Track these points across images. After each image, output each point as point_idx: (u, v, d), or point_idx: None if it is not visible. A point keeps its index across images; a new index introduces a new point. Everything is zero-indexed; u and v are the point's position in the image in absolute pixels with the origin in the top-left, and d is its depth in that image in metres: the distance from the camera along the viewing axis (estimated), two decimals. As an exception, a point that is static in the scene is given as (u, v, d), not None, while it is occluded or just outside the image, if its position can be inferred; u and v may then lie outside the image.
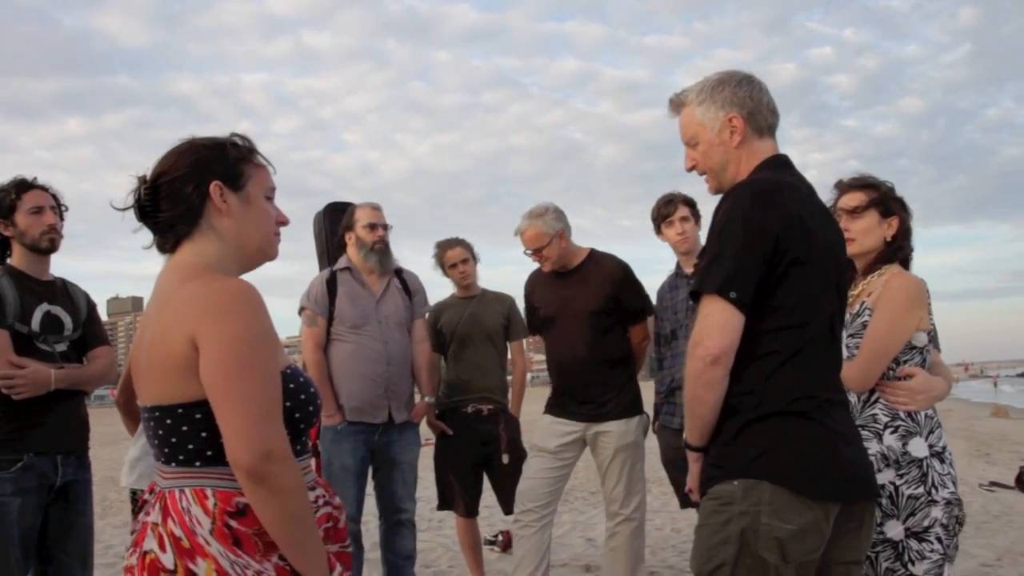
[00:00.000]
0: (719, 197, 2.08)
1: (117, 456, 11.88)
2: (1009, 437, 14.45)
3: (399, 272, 4.20)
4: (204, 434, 1.58)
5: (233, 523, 1.55)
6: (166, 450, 1.61)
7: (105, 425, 12.25)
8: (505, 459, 4.41)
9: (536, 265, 4.15)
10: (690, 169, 2.16)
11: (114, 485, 9.34)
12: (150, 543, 1.56)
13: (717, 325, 1.88)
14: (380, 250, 4.06)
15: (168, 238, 1.71)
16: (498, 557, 5.55)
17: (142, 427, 3.54)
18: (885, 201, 2.65)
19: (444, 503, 4.61)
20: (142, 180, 1.69)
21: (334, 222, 4.39)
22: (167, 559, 1.53)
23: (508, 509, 4.64)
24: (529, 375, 6.17)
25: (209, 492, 1.56)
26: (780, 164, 2.07)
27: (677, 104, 2.14)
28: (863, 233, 2.63)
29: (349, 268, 4.09)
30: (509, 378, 4.84)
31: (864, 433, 2.47)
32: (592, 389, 3.92)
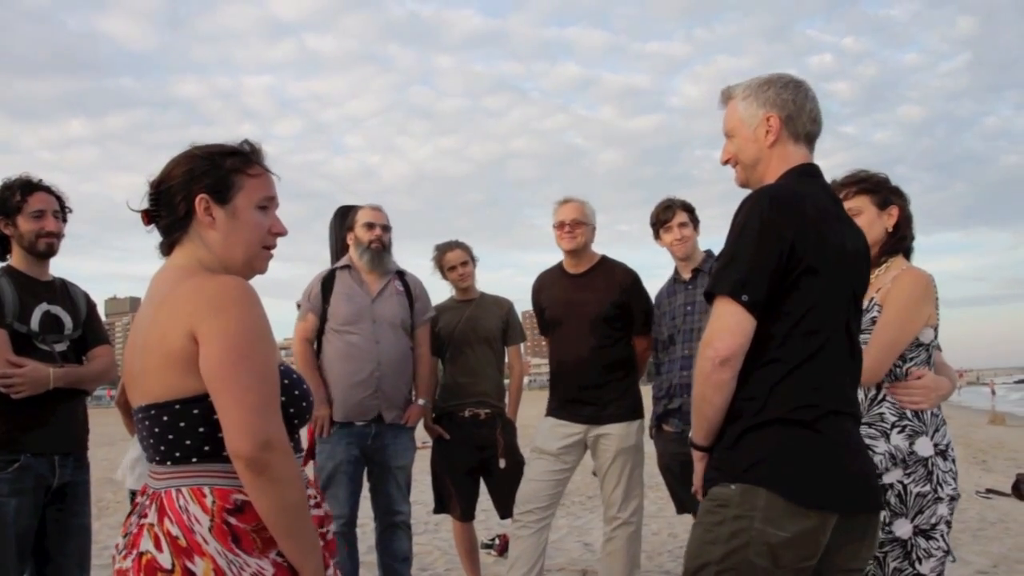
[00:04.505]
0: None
1: (114, 457, 11.86)
2: (1006, 445, 14.45)
3: (402, 275, 4.21)
4: (201, 429, 1.59)
5: (232, 520, 1.56)
6: (162, 448, 1.62)
7: (103, 426, 12.23)
8: (502, 464, 4.41)
9: (543, 268, 4.18)
10: (725, 162, 2.18)
11: (111, 486, 9.32)
12: (146, 544, 1.57)
13: (728, 327, 1.89)
14: (376, 249, 4.06)
15: (166, 242, 1.76)
16: (494, 561, 5.54)
17: None
18: (879, 192, 2.65)
19: (440, 507, 4.60)
20: (152, 185, 1.74)
21: (342, 226, 4.44)
22: (164, 559, 1.54)
23: (504, 513, 4.63)
24: (526, 379, 6.18)
25: (207, 490, 1.58)
26: (807, 173, 2.07)
27: (726, 97, 2.17)
28: (864, 228, 2.64)
29: (349, 267, 4.11)
30: (506, 382, 4.84)
31: (871, 431, 2.50)
32: (593, 391, 3.93)
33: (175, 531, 1.55)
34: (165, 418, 1.61)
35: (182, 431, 1.60)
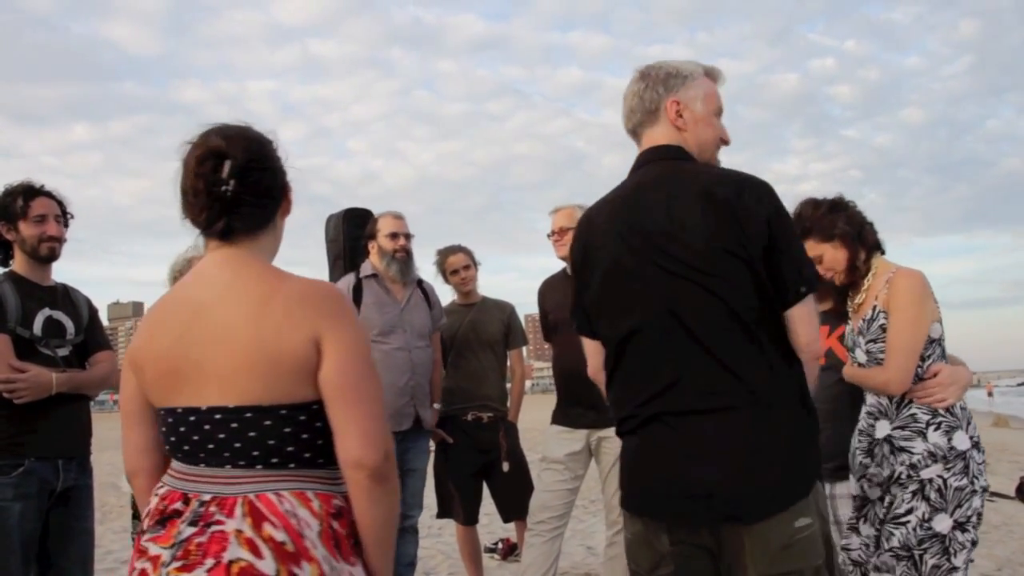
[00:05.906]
0: None
1: (117, 461, 11.85)
2: (1009, 447, 14.41)
3: (420, 283, 4.23)
4: (305, 436, 1.55)
5: (335, 525, 1.53)
6: (254, 453, 1.53)
7: (105, 430, 12.23)
8: (505, 467, 4.41)
9: (545, 272, 4.18)
10: None
11: (114, 490, 9.33)
12: (237, 552, 1.45)
13: (586, 353, 2.13)
14: (402, 259, 4.08)
15: (238, 224, 1.59)
16: (498, 565, 5.54)
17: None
18: (815, 229, 2.67)
19: (443, 511, 4.61)
20: (226, 156, 1.56)
21: (354, 227, 4.39)
22: (266, 566, 1.44)
23: (507, 517, 4.63)
24: (529, 383, 6.18)
25: (310, 495, 1.53)
26: (636, 166, 2.04)
27: None
28: (831, 267, 2.68)
29: (375, 275, 4.09)
30: (508, 385, 4.84)
31: (905, 433, 2.52)
32: (595, 395, 3.91)
33: (280, 536, 1.46)
34: (268, 422, 1.52)
35: (284, 436, 1.53)
